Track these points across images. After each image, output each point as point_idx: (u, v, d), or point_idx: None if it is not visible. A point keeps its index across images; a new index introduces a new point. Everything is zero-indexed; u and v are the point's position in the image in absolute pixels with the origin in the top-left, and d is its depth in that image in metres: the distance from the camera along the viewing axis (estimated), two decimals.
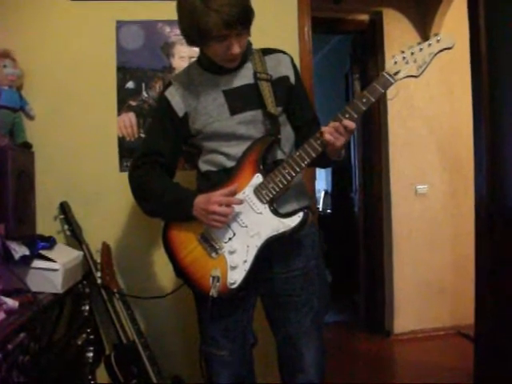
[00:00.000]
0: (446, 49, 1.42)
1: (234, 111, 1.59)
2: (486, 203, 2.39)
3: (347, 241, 4.49)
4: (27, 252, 1.73)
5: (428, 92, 3.66)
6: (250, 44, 1.64)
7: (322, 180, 5.54)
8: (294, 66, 1.70)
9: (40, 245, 1.85)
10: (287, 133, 1.66)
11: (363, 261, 4.15)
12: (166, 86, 1.68)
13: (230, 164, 1.59)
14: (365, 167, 4.07)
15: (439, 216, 3.76)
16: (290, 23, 2.44)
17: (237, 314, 1.64)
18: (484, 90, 2.38)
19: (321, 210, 5.37)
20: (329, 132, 1.43)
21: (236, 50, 1.49)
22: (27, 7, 2.32)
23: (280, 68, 1.66)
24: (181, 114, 1.62)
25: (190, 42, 1.54)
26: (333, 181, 5.30)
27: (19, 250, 1.70)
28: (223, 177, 1.58)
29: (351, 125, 1.43)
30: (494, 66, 2.33)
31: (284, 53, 1.71)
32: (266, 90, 1.59)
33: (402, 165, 3.72)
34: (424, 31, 3.67)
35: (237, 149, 1.58)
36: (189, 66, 1.73)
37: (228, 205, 1.49)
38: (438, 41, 1.41)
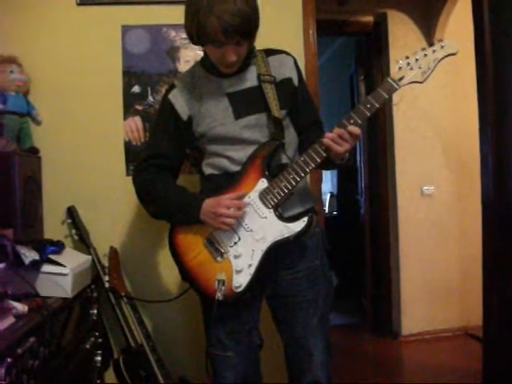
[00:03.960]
0: (450, 55, 1.43)
1: (238, 115, 1.59)
2: (493, 202, 2.38)
3: (353, 243, 4.49)
4: (37, 257, 1.73)
5: (433, 93, 3.65)
6: (253, 47, 1.64)
7: (328, 182, 5.54)
8: (298, 67, 1.70)
9: (49, 249, 1.85)
10: (291, 136, 1.66)
11: (370, 263, 4.15)
12: (170, 88, 1.68)
13: (233, 168, 1.60)
14: (370, 169, 4.08)
15: (445, 217, 3.76)
16: (295, 26, 2.44)
17: (242, 315, 1.64)
18: (489, 89, 2.37)
19: (327, 212, 5.36)
20: (331, 138, 1.43)
21: (231, 58, 1.49)
22: (33, 12, 2.34)
23: (283, 69, 1.65)
24: (185, 117, 1.62)
25: (191, 39, 1.53)
26: (339, 183, 5.30)
27: (29, 255, 1.70)
28: (226, 180, 1.59)
29: (356, 131, 1.43)
30: (499, 67, 2.33)
31: (287, 54, 1.70)
32: (270, 92, 1.59)
33: (407, 166, 3.72)
34: (428, 32, 3.66)
35: (241, 153, 1.58)
36: (192, 67, 1.72)
37: (236, 208, 1.50)
38: (442, 47, 1.42)
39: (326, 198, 5.50)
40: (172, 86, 1.67)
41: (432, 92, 3.62)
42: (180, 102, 1.62)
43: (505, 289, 2.32)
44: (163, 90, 2.32)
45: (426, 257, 3.73)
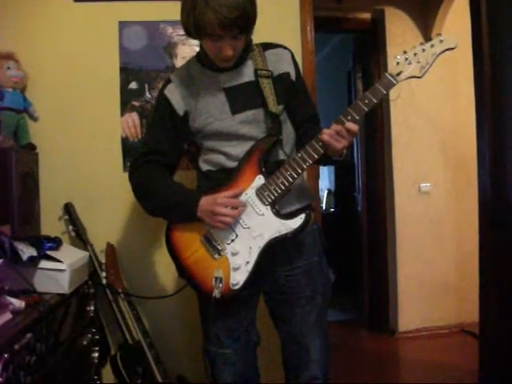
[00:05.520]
0: (448, 49, 1.42)
1: (235, 110, 1.58)
2: (490, 199, 2.39)
3: (351, 240, 4.49)
4: (35, 253, 1.74)
5: (430, 90, 3.65)
6: (250, 41, 1.63)
7: (326, 179, 5.53)
8: (295, 61, 1.68)
9: (47, 245, 1.85)
10: (288, 131, 1.65)
11: (367, 260, 4.15)
12: (165, 83, 1.66)
13: (230, 164, 1.59)
14: (368, 166, 4.08)
15: (443, 214, 3.76)
16: (293, 23, 2.44)
17: (240, 313, 1.64)
18: (486, 85, 2.37)
19: (324, 209, 5.36)
20: (329, 134, 1.42)
21: (228, 52, 1.48)
22: (30, 9, 2.34)
23: (281, 64, 1.64)
24: (181, 112, 1.61)
25: (187, 33, 1.52)
26: (336, 180, 5.30)
27: (27, 251, 1.70)
28: (223, 177, 1.58)
29: (354, 127, 1.42)
30: (496, 63, 2.33)
31: (285, 48, 1.69)
32: (268, 87, 1.58)
33: (405, 163, 3.72)
34: (426, 29, 3.66)
35: (238, 149, 1.58)
36: (188, 61, 1.71)
37: (233, 207, 1.50)
38: (440, 41, 1.41)
39: (323, 194, 5.50)
40: (168, 81, 1.66)
41: (429, 88, 3.63)
42: (176, 97, 1.61)
43: (501, 285, 2.32)
44: (160, 87, 2.33)
45: (423, 254, 3.73)
